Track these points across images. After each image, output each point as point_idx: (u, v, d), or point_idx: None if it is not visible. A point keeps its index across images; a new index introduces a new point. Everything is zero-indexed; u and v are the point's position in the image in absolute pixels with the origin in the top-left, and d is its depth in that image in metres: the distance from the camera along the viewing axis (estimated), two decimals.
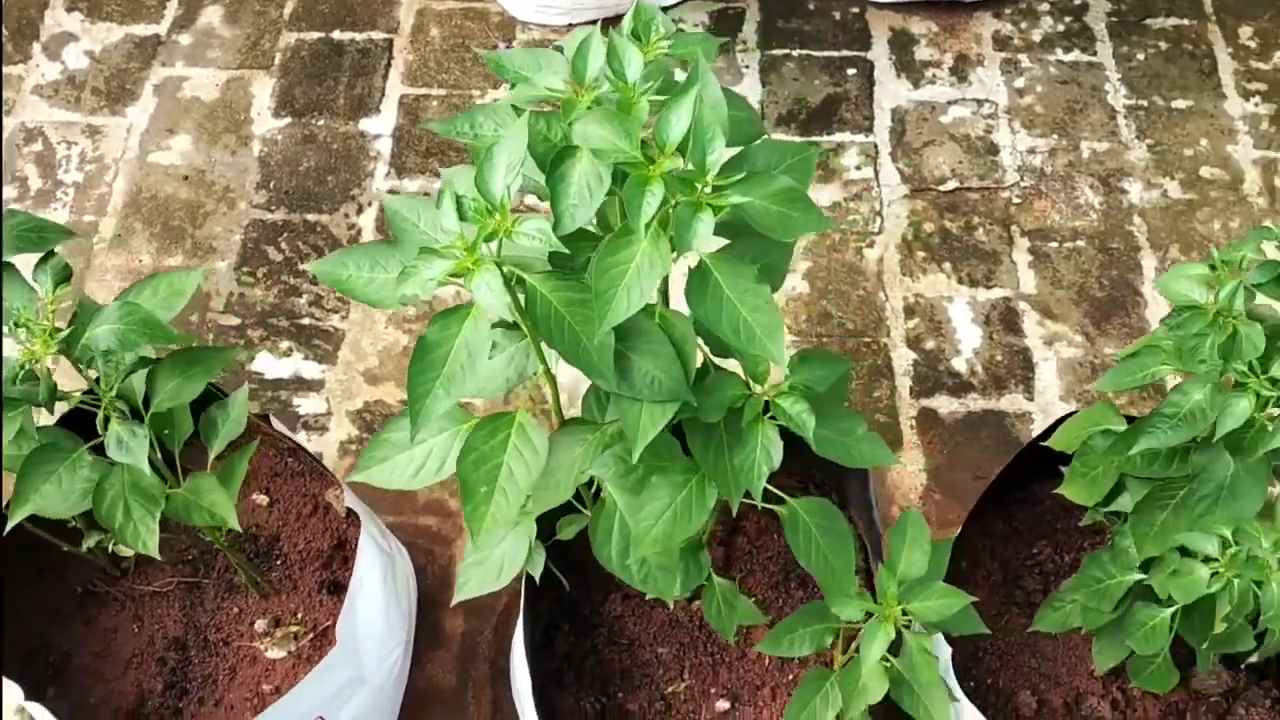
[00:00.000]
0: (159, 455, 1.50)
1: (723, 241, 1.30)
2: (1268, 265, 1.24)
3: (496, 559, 1.43)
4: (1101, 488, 1.49)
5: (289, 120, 2.59)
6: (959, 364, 2.34)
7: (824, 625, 1.42)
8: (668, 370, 1.13)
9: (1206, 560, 1.30)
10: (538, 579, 1.58)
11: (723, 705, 1.74)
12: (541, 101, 1.17)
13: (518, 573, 1.43)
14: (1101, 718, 1.73)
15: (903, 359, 2.35)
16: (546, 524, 1.56)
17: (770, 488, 1.41)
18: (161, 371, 1.39)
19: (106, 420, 1.37)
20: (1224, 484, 1.34)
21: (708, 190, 1.07)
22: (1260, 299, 1.30)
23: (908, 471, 2.23)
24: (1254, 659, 1.41)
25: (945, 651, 1.71)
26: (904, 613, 1.37)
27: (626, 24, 1.19)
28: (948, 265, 2.46)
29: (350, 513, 1.83)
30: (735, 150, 1.21)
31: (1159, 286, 1.27)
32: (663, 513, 1.22)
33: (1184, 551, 1.33)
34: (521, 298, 1.10)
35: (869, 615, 1.37)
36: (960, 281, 2.44)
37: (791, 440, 1.26)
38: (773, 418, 1.20)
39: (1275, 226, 2.53)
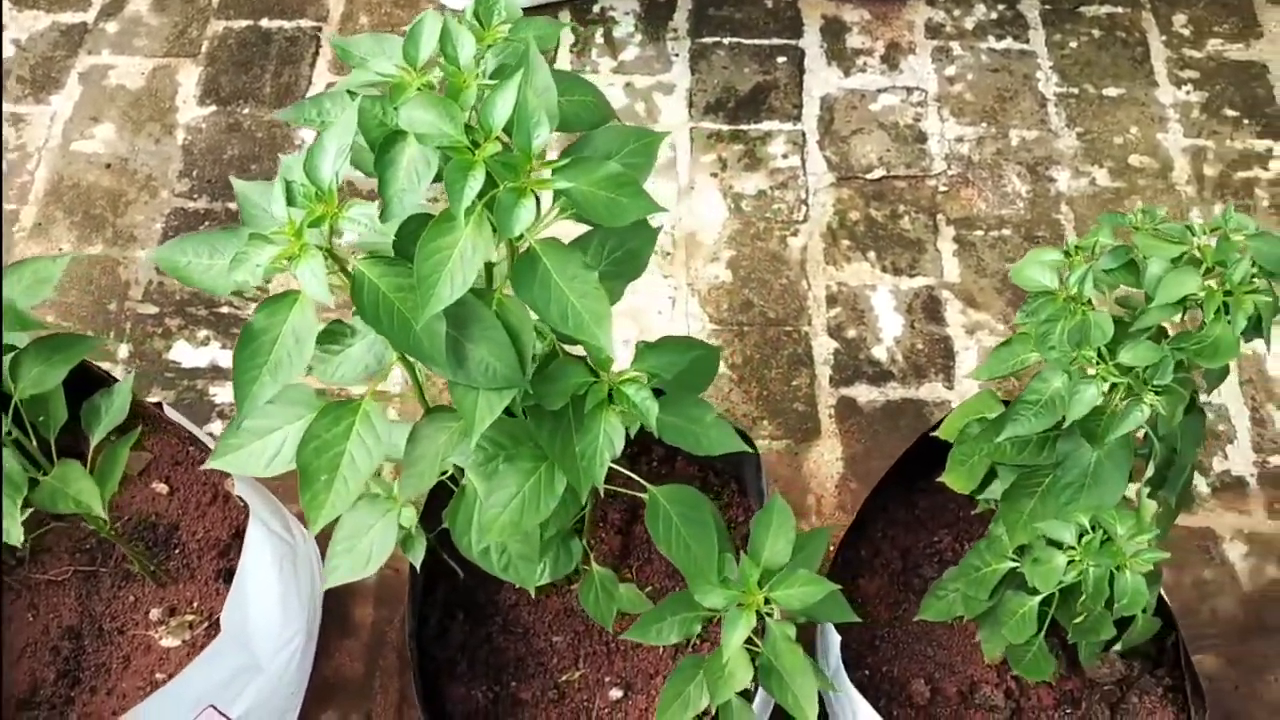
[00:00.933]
0: (33, 442, 1.50)
1: (583, 228, 1.29)
2: (1118, 251, 1.24)
3: (365, 547, 1.42)
4: (977, 475, 1.48)
5: (214, 109, 2.58)
6: (879, 352, 2.34)
7: (693, 613, 1.42)
8: (502, 357, 1.12)
9: (1064, 548, 1.29)
10: (419, 566, 1.57)
11: (616, 694, 1.74)
12: (381, 86, 1.16)
13: (386, 559, 1.42)
14: (995, 706, 1.73)
15: (823, 347, 2.34)
16: (438, 509, 1.56)
17: (635, 476, 1.41)
18: (25, 358, 1.38)
19: None
20: (1087, 471, 1.34)
21: (534, 175, 1.06)
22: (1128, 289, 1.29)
23: (825, 460, 2.23)
24: (1118, 647, 1.41)
25: (835, 640, 1.70)
26: (767, 601, 1.37)
27: (469, 7, 1.19)
28: (872, 254, 2.45)
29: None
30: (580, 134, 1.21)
31: (1012, 273, 1.27)
32: (510, 500, 1.22)
33: (1050, 540, 1.33)
34: (349, 284, 1.09)
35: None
36: (884, 270, 2.43)
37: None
38: (617, 405, 1.19)
39: (1202, 214, 2.53)
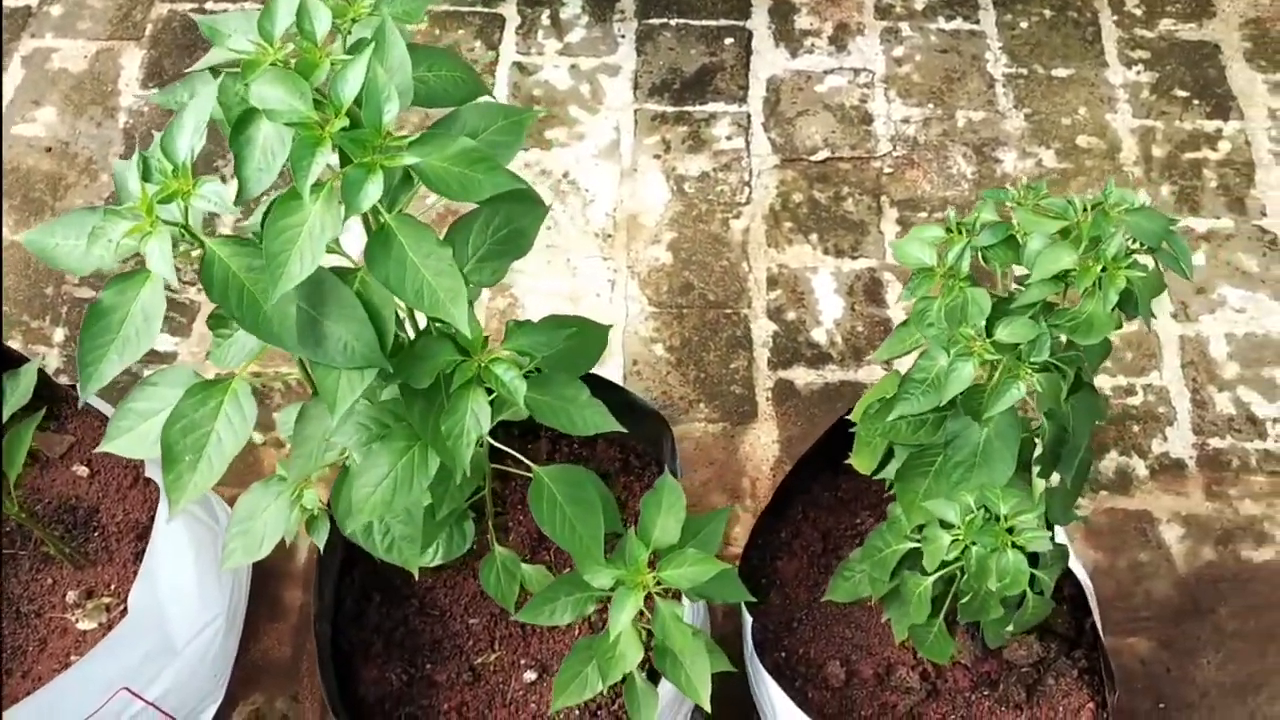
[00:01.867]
0: None
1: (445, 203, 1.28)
2: (998, 227, 1.22)
3: (259, 529, 1.42)
4: (878, 455, 1.48)
5: (157, 91, 2.57)
6: (819, 335, 2.33)
7: (585, 594, 1.41)
8: (361, 336, 1.11)
9: (949, 528, 1.28)
10: (322, 547, 1.57)
11: (530, 676, 1.73)
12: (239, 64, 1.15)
13: (278, 541, 1.42)
14: (911, 688, 1.72)
15: (763, 330, 2.33)
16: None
17: (521, 457, 1.40)
18: None
19: None
20: (977, 450, 1.32)
21: (383, 151, 1.05)
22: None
23: (760, 444, 2.22)
24: (1010, 629, 1.39)
25: (748, 621, 1.70)
26: (658, 581, 1.36)
27: None
28: (814, 236, 2.44)
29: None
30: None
31: (893, 250, 1.25)
32: (382, 480, 1.21)
33: (941, 520, 1.32)
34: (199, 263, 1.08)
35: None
36: (825, 252, 2.42)
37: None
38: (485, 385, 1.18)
39: (1150, 195, 2.51)
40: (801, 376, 2.28)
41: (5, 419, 1.60)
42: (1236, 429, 2.25)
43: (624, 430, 1.21)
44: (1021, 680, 1.72)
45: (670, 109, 2.58)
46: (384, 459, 1.21)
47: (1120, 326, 1.23)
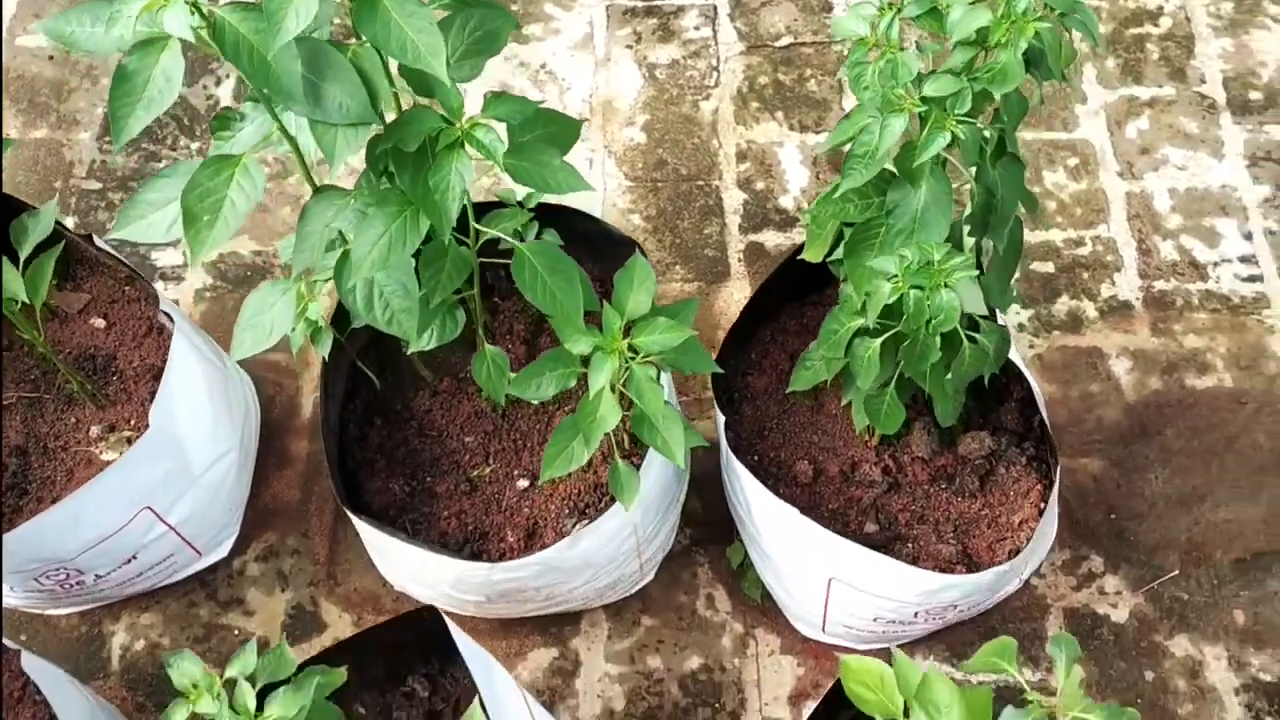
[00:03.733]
0: None
1: None
2: (923, 0, 1.37)
3: (267, 321, 1.56)
4: (828, 242, 1.62)
5: None
6: (786, 202, 2.47)
7: (568, 369, 1.55)
8: (355, 95, 1.25)
9: (889, 278, 1.42)
10: (326, 357, 1.71)
11: (523, 484, 1.88)
12: None
13: (283, 334, 1.56)
14: (874, 482, 1.86)
15: (733, 199, 2.47)
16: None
17: (504, 235, 1.54)
18: None
19: None
20: (915, 217, 1.47)
21: None
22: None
23: (733, 300, 2.36)
24: (950, 377, 1.53)
25: (722, 426, 1.84)
26: (632, 348, 1.50)
27: None
28: (780, 114, 2.58)
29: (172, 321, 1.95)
30: None
31: (833, 26, 1.40)
32: (378, 239, 1.35)
33: (882, 276, 1.46)
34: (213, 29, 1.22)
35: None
36: (791, 128, 2.56)
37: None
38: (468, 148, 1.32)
39: (1095, 68, 2.64)
40: (771, 239, 2.42)
41: (30, 250, 1.73)
42: (1180, 273, 2.40)
43: (593, 189, 1.35)
44: (975, 471, 1.86)
45: (640, 4, 2.72)
46: (379, 222, 1.35)
47: (1034, 84, 1.38)
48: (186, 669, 1.29)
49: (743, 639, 2.06)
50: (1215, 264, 2.41)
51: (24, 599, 1.99)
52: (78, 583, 1.91)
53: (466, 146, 1.32)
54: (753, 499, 1.80)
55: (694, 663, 2.04)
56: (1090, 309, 2.35)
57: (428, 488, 1.88)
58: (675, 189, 2.48)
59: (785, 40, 2.68)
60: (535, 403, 1.91)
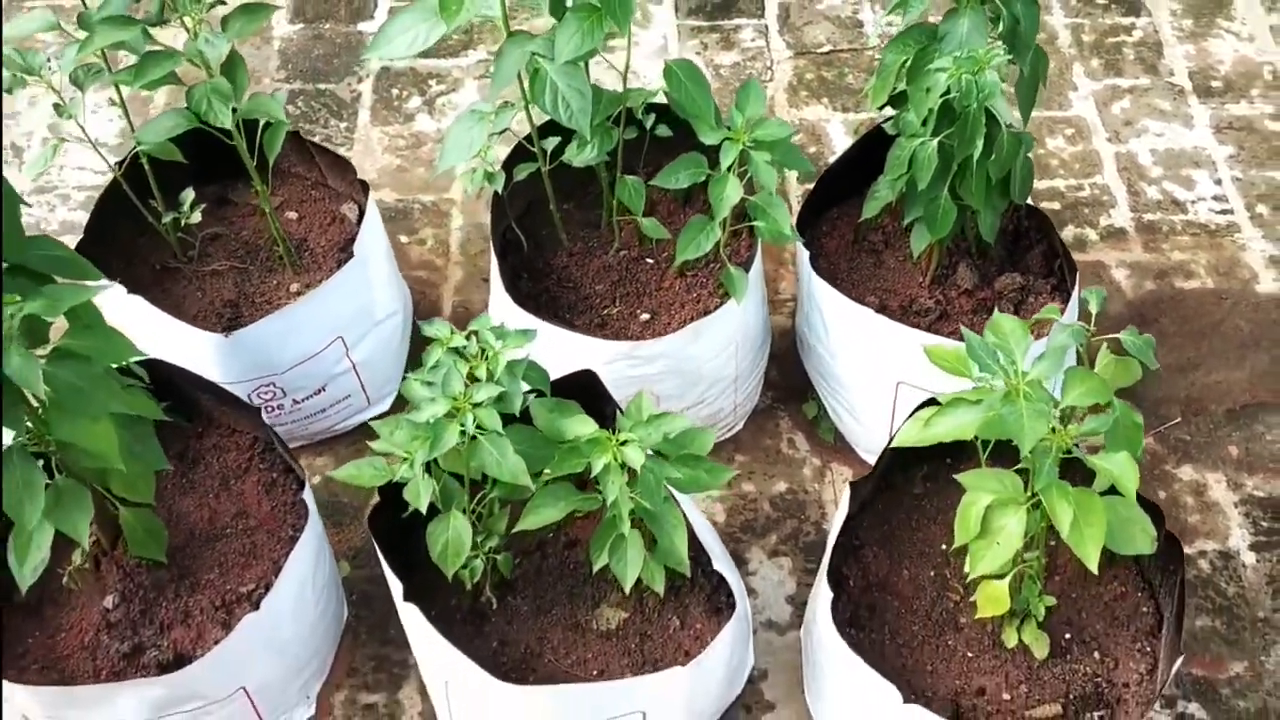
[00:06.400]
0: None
1: None
2: None
3: (466, 141, 2.03)
4: (888, 89, 2.12)
5: (301, 26, 3.28)
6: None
7: (699, 167, 2.03)
8: None
9: (945, 71, 1.91)
10: (502, 192, 2.17)
11: (645, 317, 2.32)
12: None
13: (479, 148, 2.02)
14: (928, 309, 2.31)
15: None
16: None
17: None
18: None
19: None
20: (961, 39, 1.97)
21: None
22: None
23: None
24: (993, 159, 2.00)
25: (803, 253, 2.29)
26: (753, 140, 1.98)
27: None
28: (825, 99, 3.12)
29: (359, 219, 2.41)
30: None
31: None
32: (573, 35, 1.84)
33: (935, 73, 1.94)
34: None
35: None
36: (834, 110, 3.10)
37: None
38: None
39: (1083, 68, 3.20)
40: None
41: (263, 126, 2.21)
42: (1164, 208, 2.89)
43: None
44: (1010, 301, 2.31)
45: (704, 24, 3.30)
46: (573, 23, 1.84)
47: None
48: (438, 328, 1.71)
49: (820, 470, 2.46)
50: (1193, 202, 2.90)
51: None
52: (279, 406, 2.32)
53: None
54: (831, 311, 2.25)
55: (780, 486, 2.44)
56: (1092, 234, 2.84)
57: (569, 322, 2.31)
58: None
59: (826, 48, 3.24)
60: (649, 262, 2.37)
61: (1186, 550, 2.32)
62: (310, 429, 2.43)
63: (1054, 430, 1.61)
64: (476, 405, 1.64)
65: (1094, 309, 1.70)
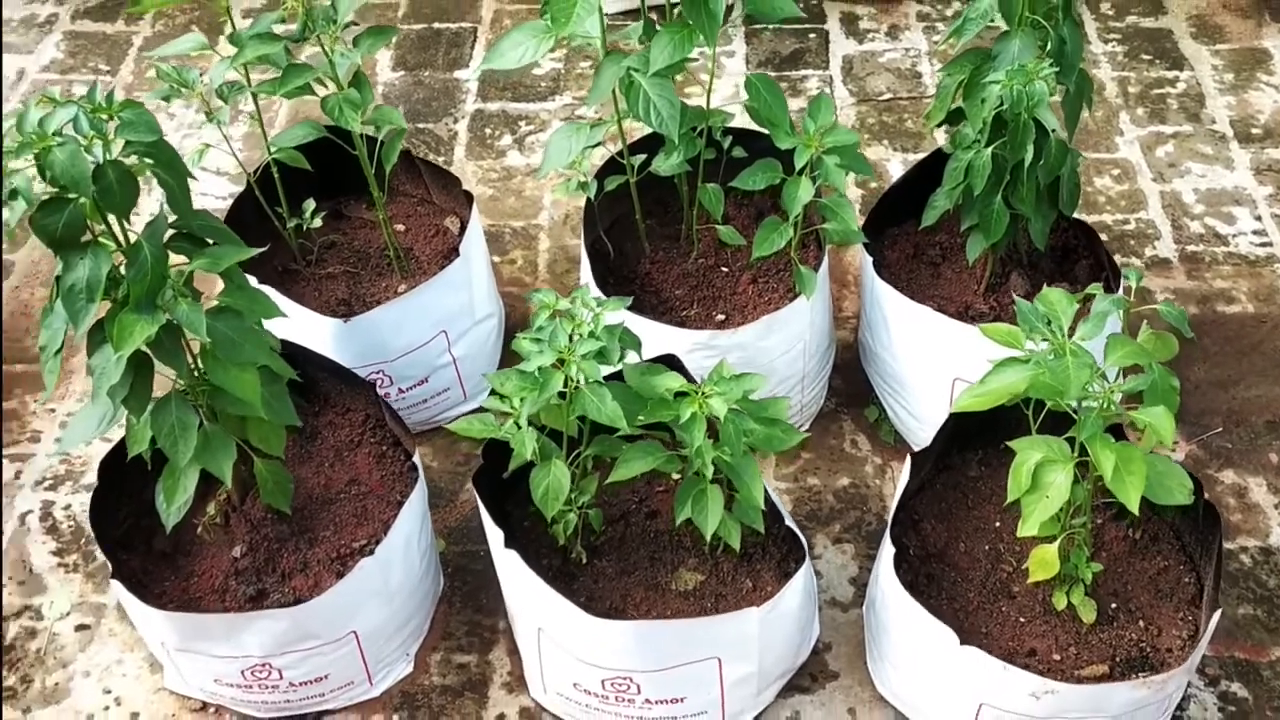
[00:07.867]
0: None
1: None
2: None
3: (565, 148, 2.27)
4: (945, 109, 2.34)
5: (403, 73, 3.57)
6: None
7: (773, 172, 2.25)
8: None
9: (998, 83, 2.13)
10: (594, 198, 2.41)
11: (720, 317, 2.53)
12: None
13: (576, 154, 2.26)
14: (982, 314, 2.50)
15: (853, 194, 3.21)
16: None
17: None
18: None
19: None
20: (1014, 56, 2.19)
21: None
22: None
23: (858, 259, 3.05)
24: (1043, 164, 2.20)
25: (866, 258, 2.50)
26: (822, 147, 2.21)
27: None
28: (885, 141, 3.35)
29: (462, 229, 2.66)
30: None
31: None
32: (665, 46, 2.09)
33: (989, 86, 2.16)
34: None
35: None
36: (894, 150, 3.33)
37: None
38: None
39: (1129, 116, 3.41)
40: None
41: (382, 139, 2.47)
42: (1206, 240, 3.08)
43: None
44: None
45: (773, 74, 3.55)
46: (666, 38, 2.09)
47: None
48: (544, 295, 1.94)
49: (881, 467, 2.64)
50: (1234, 235, 3.09)
51: None
52: (386, 394, 2.55)
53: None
54: (892, 311, 2.45)
55: (844, 481, 2.62)
56: (1137, 263, 3.03)
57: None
58: None
59: (886, 96, 3.48)
60: (725, 270, 2.59)
61: (1228, 546, 2.47)
62: (412, 419, 2.65)
63: (1097, 389, 1.80)
64: (581, 357, 1.85)
65: (1133, 284, 1.89)
